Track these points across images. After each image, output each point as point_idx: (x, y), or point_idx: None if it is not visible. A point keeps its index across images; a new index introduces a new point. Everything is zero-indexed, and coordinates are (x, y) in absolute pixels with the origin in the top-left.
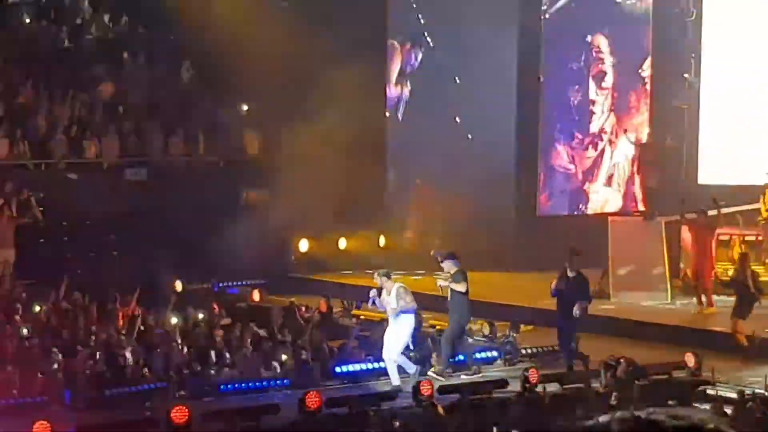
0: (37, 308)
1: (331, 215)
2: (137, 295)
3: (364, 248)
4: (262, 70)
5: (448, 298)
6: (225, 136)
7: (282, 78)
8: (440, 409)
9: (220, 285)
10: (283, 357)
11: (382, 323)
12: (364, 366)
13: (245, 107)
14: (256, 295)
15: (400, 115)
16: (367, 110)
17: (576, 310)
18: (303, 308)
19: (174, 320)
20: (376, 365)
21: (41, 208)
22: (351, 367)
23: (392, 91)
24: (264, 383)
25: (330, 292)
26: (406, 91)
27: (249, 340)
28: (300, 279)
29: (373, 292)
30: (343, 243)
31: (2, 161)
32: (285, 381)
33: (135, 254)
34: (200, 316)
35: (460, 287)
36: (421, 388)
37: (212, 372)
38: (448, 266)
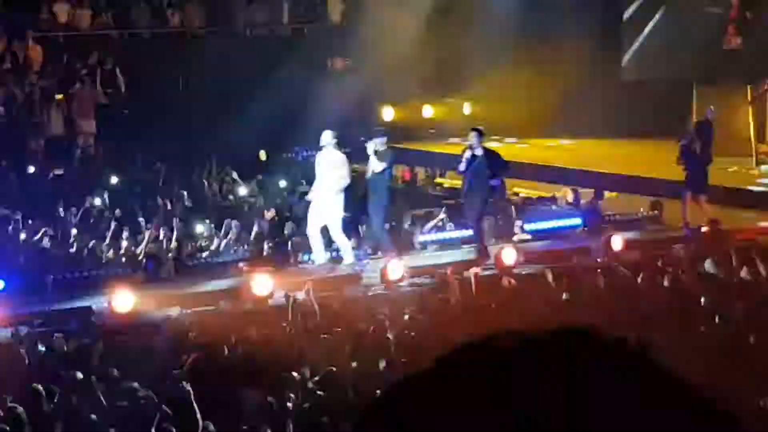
0: (114, 179)
1: (416, 83)
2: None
3: (449, 116)
4: None
5: (367, 178)
6: (309, 3)
7: None
8: (507, 282)
9: (305, 153)
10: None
11: None
12: (448, 235)
13: None
14: None
15: None
16: None
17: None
18: None
19: (243, 190)
20: (460, 233)
21: (125, 79)
22: (435, 236)
23: None
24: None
25: (414, 160)
26: None
27: None
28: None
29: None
30: (427, 111)
31: (86, 32)
32: (367, 250)
33: (219, 124)
34: (282, 184)
35: (379, 167)
36: (502, 256)
37: (292, 241)
38: (379, 143)
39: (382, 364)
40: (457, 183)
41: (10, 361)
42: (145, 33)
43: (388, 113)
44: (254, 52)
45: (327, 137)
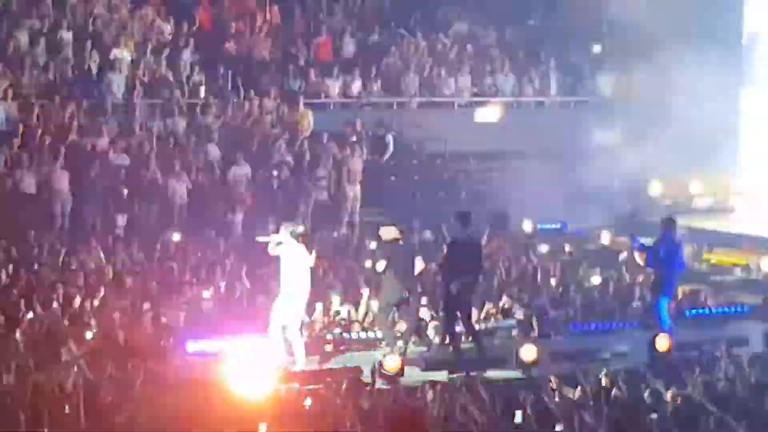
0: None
1: (684, 159)
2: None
3: (717, 192)
4: (614, 11)
5: None
6: (577, 75)
7: (634, 18)
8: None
9: (570, 225)
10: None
11: (736, 267)
12: (710, 310)
13: (597, 48)
14: (605, 237)
15: None
16: (720, 57)
17: (452, 287)
18: None
19: None
20: (725, 309)
21: (392, 147)
22: (698, 311)
23: None
24: (613, 325)
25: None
26: None
27: (599, 281)
28: (652, 222)
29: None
30: (695, 187)
31: (354, 99)
32: (634, 324)
33: (483, 194)
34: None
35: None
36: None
37: (562, 312)
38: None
39: None
40: (725, 260)
41: None
42: (413, 102)
43: (655, 188)
44: (520, 125)
45: (283, 229)
